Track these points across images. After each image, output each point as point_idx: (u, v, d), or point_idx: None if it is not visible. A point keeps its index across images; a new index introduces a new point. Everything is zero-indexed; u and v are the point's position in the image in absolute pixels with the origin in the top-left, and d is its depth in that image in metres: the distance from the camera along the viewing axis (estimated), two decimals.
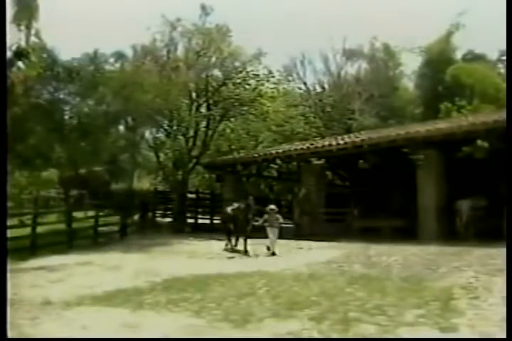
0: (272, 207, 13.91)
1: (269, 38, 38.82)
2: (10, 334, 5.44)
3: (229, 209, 15.11)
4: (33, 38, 16.04)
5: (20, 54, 15.50)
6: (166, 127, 22.18)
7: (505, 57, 28.90)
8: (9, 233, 9.34)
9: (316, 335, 5.72)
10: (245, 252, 13.48)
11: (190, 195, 23.58)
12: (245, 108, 22.49)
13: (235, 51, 21.46)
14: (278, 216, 13.81)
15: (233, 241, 14.52)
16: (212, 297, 7.60)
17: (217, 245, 15.55)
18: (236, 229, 14.50)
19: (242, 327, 6.02)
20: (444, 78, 29.01)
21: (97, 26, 44.53)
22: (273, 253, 13.09)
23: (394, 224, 16.28)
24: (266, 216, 13.67)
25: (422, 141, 15.62)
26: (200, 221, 22.61)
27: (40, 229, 14.49)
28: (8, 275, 6.61)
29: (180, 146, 21.41)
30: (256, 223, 13.86)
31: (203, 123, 22.00)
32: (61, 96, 26.36)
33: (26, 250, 13.29)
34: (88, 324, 6.29)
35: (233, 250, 14.15)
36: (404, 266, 10.42)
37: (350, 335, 5.66)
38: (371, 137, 17.31)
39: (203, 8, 21.64)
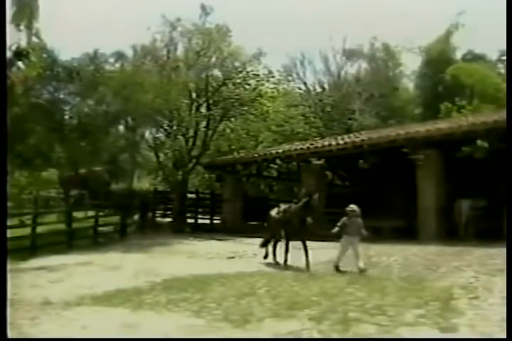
0: (353, 207, 10.55)
1: (269, 38, 38.88)
2: (10, 334, 5.44)
3: (274, 213, 12.21)
4: (33, 38, 16.02)
5: (20, 54, 15.47)
6: (166, 127, 22.19)
7: (505, 57, 28.92)
8: (9, 233, 9.34)
9: (316, 335, 5.72)
10: (307, 267, 10.61)
11: (190, 195, 23.59)
12: (245, 108, 22.50)
13: (235, 51, 21.47)
14: (359, 220, 10.39)
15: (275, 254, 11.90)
16: (212, 297, 7.60)
17: (217, 245, 15.55)
18: (288, 235, 11.43)
19: (242, 327, 6.01)
20: (444, 78, 29.03)
21: (98, 26, 44.57)
22: (337, 269, 10.20)
23: (394, 224, 16.27)
24: (344, 219, 10.48)
25: (422, 141, 15.62)
26: (200, 221, 22.62)
27: (40, 229, 14.49)
28: (8, 275, 6.61)
29: (180, 146, 21.41)
30: (333, 230, 10.53)
31: (203, 123, 22.01)
32: (61, 96, 26.44)
33: (26, 250, 13.29)
34: (88, 324, 6.29)
35: (284, 266, 11.16)
36: (404, 266, 10.44)
37: (350, 335, 5.66)
38: (371, 137, 17.31)
39: (203, 8, 21.65)
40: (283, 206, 12.15)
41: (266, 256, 12.16)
